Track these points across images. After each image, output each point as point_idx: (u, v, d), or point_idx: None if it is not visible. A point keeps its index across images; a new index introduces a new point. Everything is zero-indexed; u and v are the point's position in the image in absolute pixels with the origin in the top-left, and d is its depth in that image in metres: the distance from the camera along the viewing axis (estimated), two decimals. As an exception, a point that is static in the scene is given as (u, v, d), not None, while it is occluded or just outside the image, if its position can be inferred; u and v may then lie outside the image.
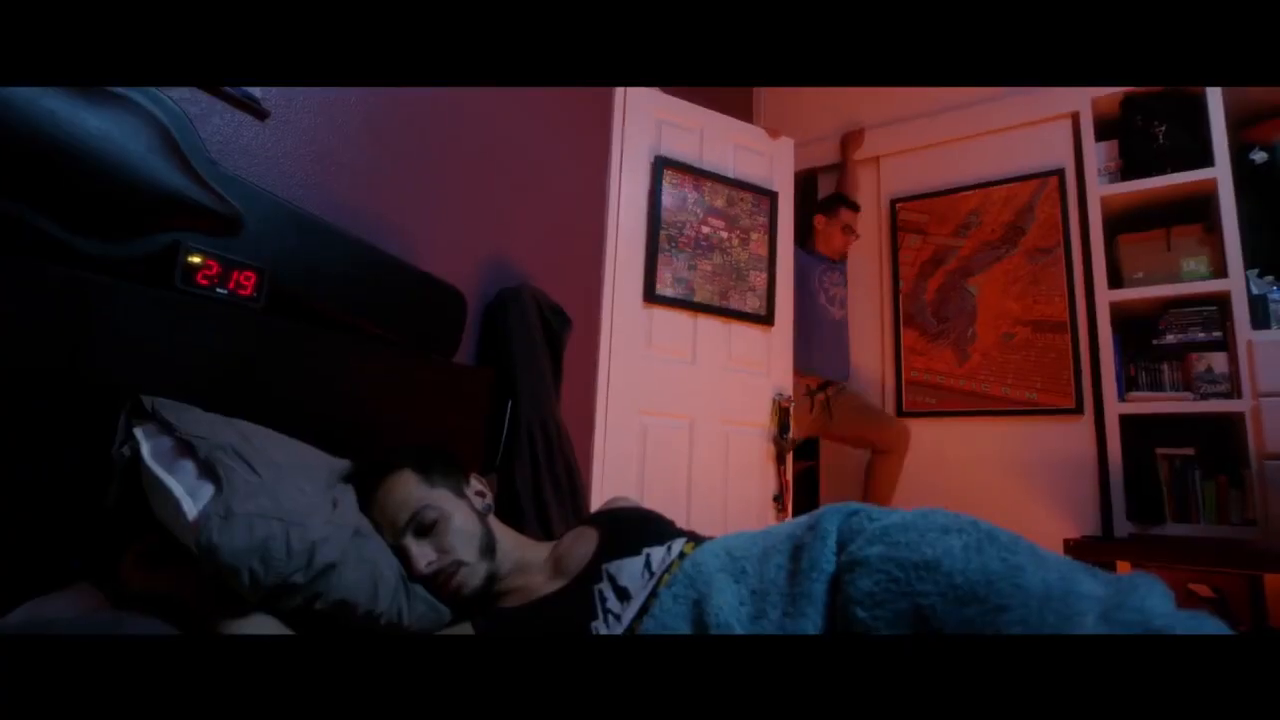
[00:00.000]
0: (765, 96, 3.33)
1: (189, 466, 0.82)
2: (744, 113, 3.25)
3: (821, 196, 2.99)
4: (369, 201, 1.42)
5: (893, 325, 2.85)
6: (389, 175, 1.47)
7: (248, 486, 0.81)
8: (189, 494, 0.79)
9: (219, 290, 0.99)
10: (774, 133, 2.63)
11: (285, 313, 1.10)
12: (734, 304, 2.43)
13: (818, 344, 2.61)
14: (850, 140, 2.96)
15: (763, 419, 2.43)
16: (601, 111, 2.23)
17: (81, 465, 0.86)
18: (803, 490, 2.89)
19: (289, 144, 1.27)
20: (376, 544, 0.94)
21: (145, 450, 0.83)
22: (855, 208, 2.75)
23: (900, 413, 2.75)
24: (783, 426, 2.42)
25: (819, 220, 2.72)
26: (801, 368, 2.56)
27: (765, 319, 2.48)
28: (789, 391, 2.48)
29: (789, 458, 2.43)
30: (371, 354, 1.24)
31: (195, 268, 0.97)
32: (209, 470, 0.81)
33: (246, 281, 1.02)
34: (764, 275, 2.51)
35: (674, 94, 2.47)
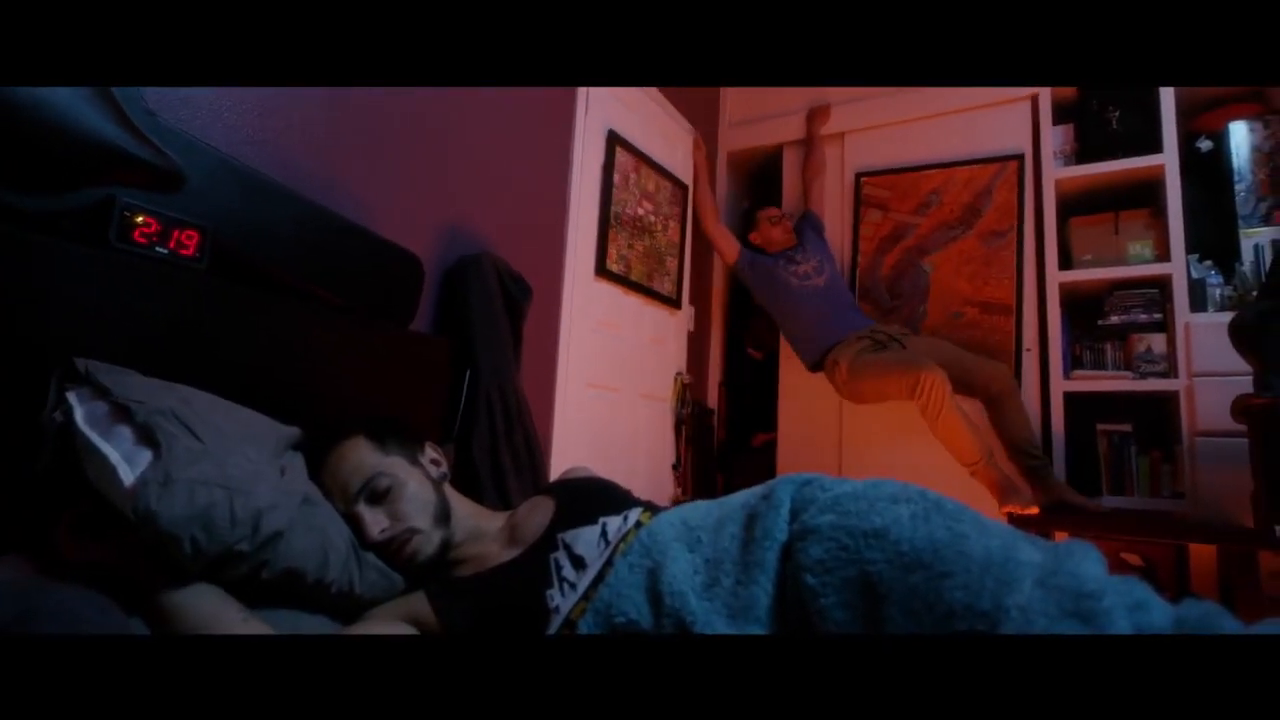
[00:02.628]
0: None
1: (126, 432, 0.79)
2: (711, 88, 3.22)
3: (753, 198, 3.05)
4: (321, 162, 1.36)
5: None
6: (342, 135, 1.42)
7: (189, 453, 0.78)
8: (125, 460, 0.76)
9: (158, 249, 0.95)
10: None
11: (231, 275, 1.05)
12: (655, 285, 2.60)
13: (822, 317, 2.60)
14: (816, 116, 2.96)
15: (668, 393, 2.71)
16: (566, 76, 2.18)
17: (9, 431, 0.82)
18: (762, 463, 2.93)
19: (233, 97, 1.21)
20: (327, 511, 0.92)
21: (78, 415, 0.80)
22: (765, 205, 2.87)
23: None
24: (681, 401, 2.75)
25: (754, 238, 2.81)
26: (834, 342, 2.53)
27: (675, 302, 2.74)
28: (685, 369, 2.80)
29: (684, 429, 2.74)
30: (323, 320, 1.20)
31: (132, 225, 0.92)
32: (147, 436, 0.78)
33: (189, 241, 0.97)
34: (676, 261, 2.76)
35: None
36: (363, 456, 0.99)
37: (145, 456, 0.77)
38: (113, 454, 0.76)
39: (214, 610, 0.77)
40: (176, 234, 0.96)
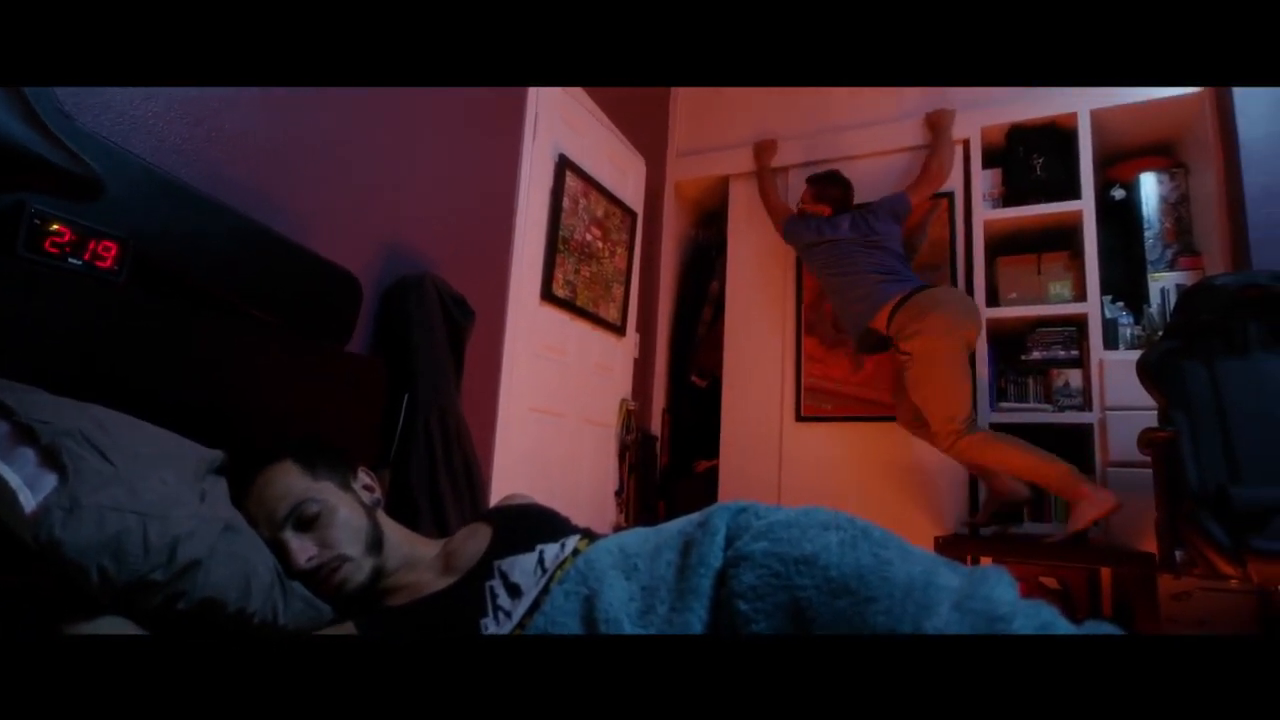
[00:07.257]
0: (679, 102, 3.38)
1: (29, 454, 0.74)
2: (659, 119, 3.28)
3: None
4: (253, 174, 1.33)
5: (794, 333, 2.95)
6: (278, 146, 1.38)
7: (98, 476, 0.74)
8: (27, 484, 0.71)
9: (72, 260, 0.90)
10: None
11: (153, 289, 1.01)
12: (601, 312, 2.61)
13: (881, 275, 2.41)
14: (763, 150, 3.05)
15: (613, 419, 2.73)
16: (515, 102, 2.19)
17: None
18: (704, 489, 2.95)
19: (158, 103, 1.16)
20: (250, 538, 0.88)
21: (-25, 435, 0.75)
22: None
23: (799, 417, 2.86)
24: (626, 427, 2.78)
25: (805, 199, 2.70)
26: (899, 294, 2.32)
27: (620, 329, 2.75)
28: (631, 396, 2.83)
29: (627, 455, 2.78)
30: (252, 338, 1.16)
31: (44, 233, 0.88)
32: (52, 458, 0.74)
33: (106, 252, 0.93)
34: (623, 288, 2.77)
35: (588, 92, 2.48)
36: (290, 481, 0.95)
37: (50, 481, 0.72)
38: (13, 478, 0.71)
39: (119, 645, 0.73)
40: (93, 245, 0.92)
